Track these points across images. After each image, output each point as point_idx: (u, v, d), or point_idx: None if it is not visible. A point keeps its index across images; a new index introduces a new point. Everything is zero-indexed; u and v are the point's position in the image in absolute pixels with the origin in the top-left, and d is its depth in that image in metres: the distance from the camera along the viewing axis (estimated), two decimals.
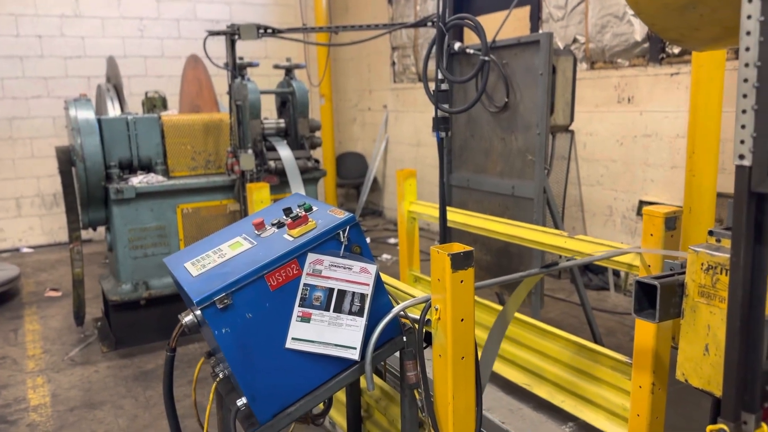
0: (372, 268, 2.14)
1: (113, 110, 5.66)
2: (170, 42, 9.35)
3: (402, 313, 2.28)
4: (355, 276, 2.12)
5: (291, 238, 2.10)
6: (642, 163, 5.85)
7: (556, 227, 4.31)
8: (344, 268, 2.10)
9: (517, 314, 3.92)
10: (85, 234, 7.47)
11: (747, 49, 1.18)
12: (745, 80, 1.18)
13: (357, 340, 2.12)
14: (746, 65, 1.18)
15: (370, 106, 10.37)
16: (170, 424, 2.44)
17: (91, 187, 4.91)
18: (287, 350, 2.06)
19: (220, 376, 2.23)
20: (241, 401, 2.05)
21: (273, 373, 2.06)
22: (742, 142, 1.20)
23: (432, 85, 3.00)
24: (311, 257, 2.04)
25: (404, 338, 2.29)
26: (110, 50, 8.79)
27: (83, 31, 8.80)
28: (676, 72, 5.40)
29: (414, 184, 4.62)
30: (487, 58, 2.72)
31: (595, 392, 3.35)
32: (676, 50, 5.42)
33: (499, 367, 3.86)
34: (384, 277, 2.79)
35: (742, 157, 1.21)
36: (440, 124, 2.95)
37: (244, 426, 2.14)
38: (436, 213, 4.14)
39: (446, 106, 2.92)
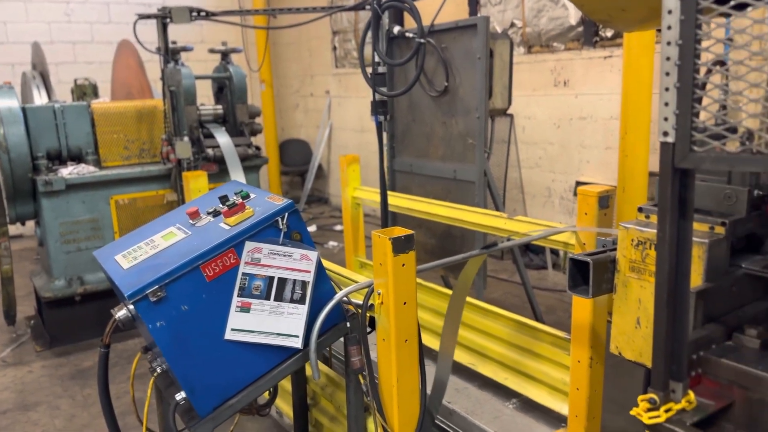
0: (313, 255, 2.11)
1: (40, 99, 5.37)
2: (100, 27, 8.94)
3: (345, 299, 2.26)
4: (295, 263, 2.08)
5: (227, 227, 2.04)
6: (578, 145, 6.01)
7: (497, 209, 4.38)
8: (284, 255, 2.06)
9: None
10: (15, 229, 7.10)
11: (669, 27, 1.21)
12: (668, 58, 1.21)
13: (299, 328, 2.09)
14: (668, 43, 1.20)
15: (313, 92, 10.24)
16: (107, 422, 2.36)
17: (16, 179, 4.65)
18: (227, 341, 2.01)
19: (158, 370, 2.16)
20: (180, 395, 1.99)
21: (212, 365, 2.01)
22: (666, 119, 1.24)
23: (370, 69, 2.98)
24: (249, 245, 2.00)
25: (348, 324, 2.27)
26: (35, 36, 8.32)
27: (5, 16, 8.30)
28: (609, 55, 5.55)
29: (357, 169, 4.59)
30: (422, 41, 2.71)
31: (536, 368, 3.44)
32: (609, 33, 5.57)
33: None
34: (327, 264, 2.77)
35: (666, 134, 1.24)
36: (378, 107, 2.93)
37: (184, 420, 2.08)
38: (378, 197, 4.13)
39: (384, 89, 2.90)
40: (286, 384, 3.00)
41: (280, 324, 2.06)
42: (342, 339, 2.27)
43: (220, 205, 2.14)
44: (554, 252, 6.27)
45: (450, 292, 3.85)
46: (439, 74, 4.22)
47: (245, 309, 2.01)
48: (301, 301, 2.08)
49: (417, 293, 4.22)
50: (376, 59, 2.79)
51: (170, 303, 1.89)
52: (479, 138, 4.07)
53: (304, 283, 2.08)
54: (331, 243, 7.64)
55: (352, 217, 4.62)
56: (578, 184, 6.08)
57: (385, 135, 4.97)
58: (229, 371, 2.04)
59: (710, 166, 1.20)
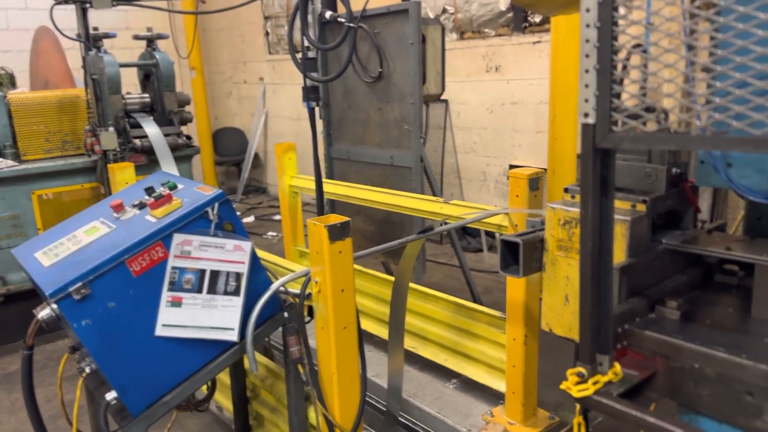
0: (247, 246, 2.06)
1: None
2: (16, 13, 8.41)
3: (282, 288, 2.23)
4: (228, 255, 2.03)
5: (154, 219, 1.97)
6: (511, 129, 6.14)
7: (434, 194, 4.42)
8: (216, 247, 2.01)
9: None
10: None
11: (587, 10, 1.24)
12: (587, 41, 1.24)
13: (235, 321, 2.05)
14: (587, 26, 1.23)
15: (246, 79, 10.01)
16: (34, 426, 2.25)
17: None
18: (158, 338, 1.95)
19: (87, 370, 2.07)
20: (111, 395, 1.92)
21: (144, 362, 1.94)
22: (586, 100, 1.27)
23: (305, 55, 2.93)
24: (178, 238, 1.93)
25: (285, 314, 2.25)
26: None
27: None
28: (538, 40, 5.68)
29: (294, 157, 4.53)
30: (352, 25, 2.68)
31: (474, 348, 3.51)
32: (537, 19, 5.69)
33: (386, 333, 3.93)
34: (264, 254, 2.72)
35: (586, 115, 1.28)
36: (310, 93, 2.89)
37: (117, 420, 2.01)
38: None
39: (315, 74, 2.85)
40: (225, 377, 2.95)
41: (213, 317, 2.01)
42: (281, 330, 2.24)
43: (146, 197, 2.06)
44: (490, 234, 6.40)
45: (391, 278, 3.87)
46: (373, 60, 4.20)
47: (176, 304, 1.95)
48: (236, 293, 2.04)
49: (356, 280, 4.23)
50: (306, 44, 2.74)
51: (96, 300, 1.81)
52: (415, 124, 4.09)
53: (238, 275, 2.04)
54: (270, 233, 7.53)
55: (289, 206, 4.57)
56: (512, 167, 6.22)
57: (321, 122, 4.94)
58: (162, 368, 1.98)
59: (629, 146, 1.25)
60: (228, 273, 2.03)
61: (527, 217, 2.48)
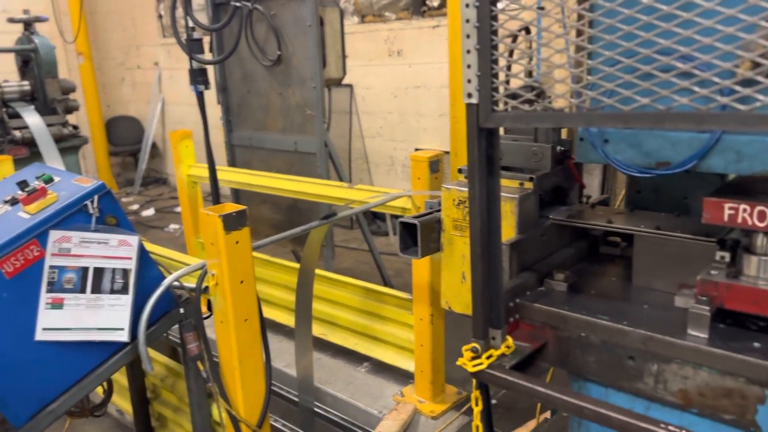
0: (133, 240, 1.94)
1: None
2: None
3: (177, 283, 2.13)
4: (113, 251, 1.91)
5: (27, 215, 1.81)
6: (415, 113, 6.20)
7: (340, 179, 4.39)
8: (98, 243, 1.88)
9: None
10: None
11: None
12: (467, 20, 1.24)
13: (124, 320, 1.93)
14: (467, 5, 1.24)
15: (140, 64, 9.49)
16: None
17: None
18: (39, 343, 1.80)
19: None
20: None
21: (24, 370, 1.79)
22: (469, 81, 1.28)
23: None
24: (54, 235, 1.79)
25: (181, 310, 2.15)
26: None
27: None
28: (437, 24, 5.75)
29: (191, 145, 4.34)
30: (238, 4, 2.58)
31: (384, 331, 3.54)
32: (436, 3, 5.76)
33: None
34: (157, 249, 2.59)
35: (470, 95, 1.29)
36: (197, 76, 2.76)
37: None
38: (219, 175, 3.95)
39: (202, 56, 2.73)
40: (122, 380, 2.80)
41: (100, 318, 1.89)
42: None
43: (19, 192, 1.89)
44: (397, 218, 6.48)
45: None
46: (271, 43, 4.09)
47: (57, 305, 1.81)
48: (124, 290, 1.92)
49: (264, 270, 4.15)
50: (190, 24, 2.61)
51: None
52: (317, 108, 4.03)
53: (125, 272, 1.92)
54: (173, 226, 7.22)
55: (189, 196, 4.38)
56: (417, 151, 6.29)
57: (220, 108, 4.76)
58: (45, 374, 1.83)
59: (511, 125, 1.27)
60: (114, 270, 1.91)
61: (425, 198, 2.51)
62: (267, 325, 2.28)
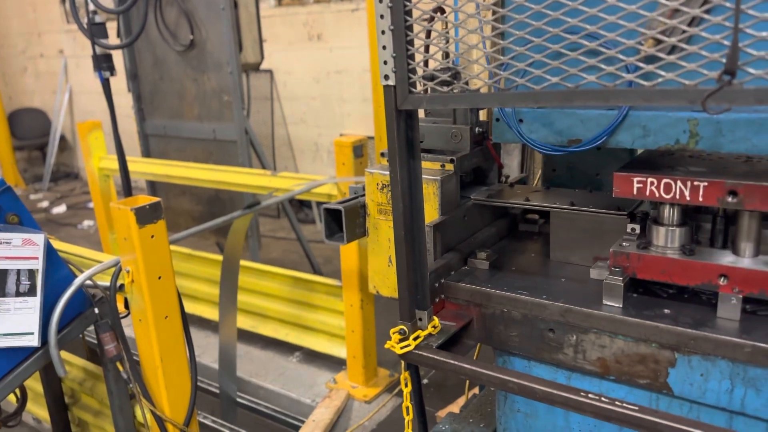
0: (39, 239, 1.82)
1: None
2: None
3: (90, 282, 2.02)
4: (16, 251, 1.78)
5: None
6: (338, 98, 6.15)
7: (263, 167, 4.30)
8: (0, 243, 1.75)
9: None
10: None
11: None
12: (381, 0, 1.22)
13: (33, 324, 1.81)
14: None
15: (43, 53, 8.89)
16: None
17: None
18: None
19: None
20: None
21: None
22: (385, 62, 1.27)
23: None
24: None
25: (96, 310, 2.04)
26: None
27: None
28: (356, 8, 5.70)
29: (101, 137, 4.12)
30: None
31: (314, 319, 3.52)
32: None
33: None
34: (67, 246, 2.44)
35: (386, 77, 1.28)
36: (101, 62, 2.61)
37: None
38: (132, 167, 3.78)
39: (106, 41, 2.57)
40: (38, 385, 2.64)
41: (6, 323, 1.76)
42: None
43: None
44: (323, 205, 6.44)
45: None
46: (183, 27, 3.93)
47: None
48: (31, 292, 1.80)
49: (186, 264, 4.01)
50: (91, 7, 2.45)
51: None
52: (235, 94, 3.91)
53: (31, 272, 1.80)
54: (87, 223, 6.86)
55: (101, 190, 4.16)
56: (342, 136, 6.26)
57: (131, 96, 4.54)
58: None
59: (428, 106, 1.27)
60: (19, 271, 1.78)
61: (349, 183, 2.49)
62: (192, 321, 2.21)
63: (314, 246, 5.58)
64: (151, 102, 4.47)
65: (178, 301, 2.11)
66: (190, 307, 3.81)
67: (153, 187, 4.61)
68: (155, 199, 1.98)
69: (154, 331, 2.02)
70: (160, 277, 2.01)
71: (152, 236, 1.96)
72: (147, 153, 4.59)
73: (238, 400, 3.30)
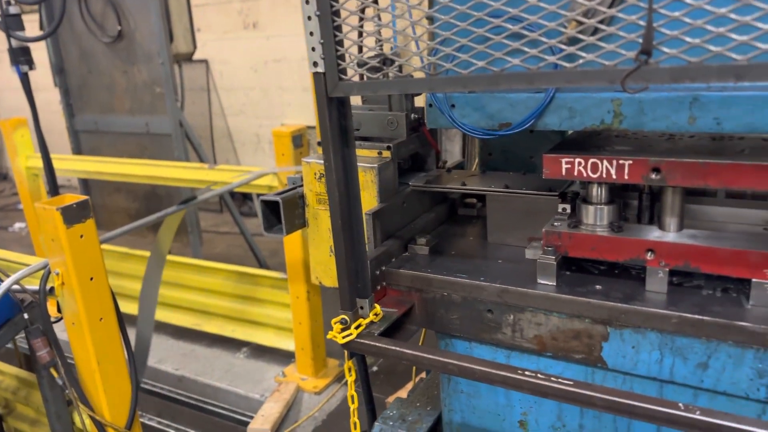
0: None
1: None
2: None
3: (17, 287, 1.92)
4: None
5: None
6: (278, 88, 6.05)
7: (201, 161, 4.20)
8: None
9: (176, 258, 3.77)
10: None
11: None
12: None
13: None
14: None
15: None
16: None
17: None
18: None
19: None
20: None
21: None
22: (313, 49, 1.24)
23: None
24: None
25: (26, 315, 1.95)
26: None
27: None
28: None
29: (27, 134, 3.92)
30: None
31: (261, 313, 3.47)
32: None
33: (166, 315, 3.70)
34: None
35: (315, 64, 1.26)
36: (18, 56, 2.47)
37: None
38: (61, 165, 3.62)
39: (22, 34, 2.43)
40: None
41: None
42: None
43: None
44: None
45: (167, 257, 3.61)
46: (110, 17, 3.77)
47: None
48: None
49: (124, 264, 3.88)
50: None
51: None
52: (167, 86, 3.79)
53: None
54: (18, 225, 6.55)
55: (30, 190, 3.97)
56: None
57: (58, 91, 4.33)
58: None
59: (358, 93, 1.26)
60: None
61: (287, 174, 2.46)
62: (133, 321, 2.13)
63: (260, 239, 5.49)
64: (80, 97, 4.28)
65: (112, 301, 2.04)
66: (131, 308, 3.69)
67: (86, 185, 4.43)
68: (83, 198, 1.90)
69: (89, 334, 1.94)
70: (92, 278, 1.93)
71: (81, 236, 1.88)
72: (78, 150, 4.40)
73: (182, 398, 3.24)
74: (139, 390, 2.15)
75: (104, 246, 2.28)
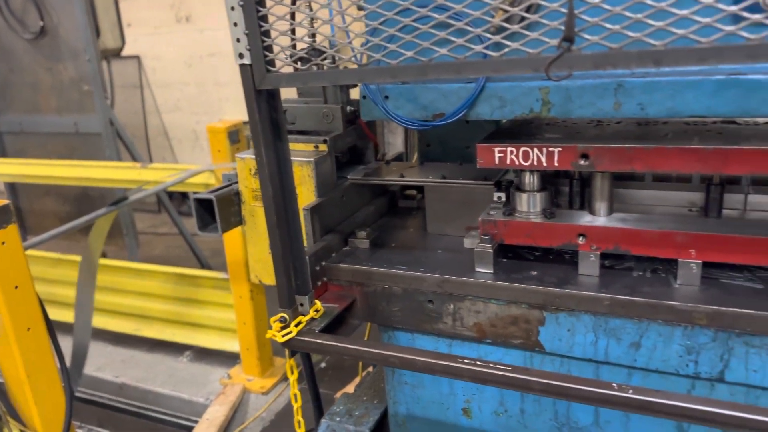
0: None
1: None
2: None
3: None
4: None
5: None
6: (214, 83, 5.90)
7: (134, 160, 4.05)
8: None
9: (112, 261, 3.64)
10: None
11: None
12: None
13: None
14: None
15: None
16: None
17: None
18: None
19: None
20: None
21: None
22: (239, 40, 1.21)
23: None
24: None
25: None
26: None
27: None
28: None
29: None
30: None
31: (203, 315, 3.39)
32: None
33: (103, 321, 3.56)
34: None
35: (241, 56, 1.22)
36: None
37: None
38: None
39: None
40: None
41: None
42: None
43: None
44: None
45: (102, 261, 3.47)
46: (31, 12, 3.58)
47: None
48: None
49: (55, 270, 3.71)
50: None
51: None
52: (95, 83, 3.63)
53: None
54: None
55: None
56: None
57: None
58: None
59: (286, 85, 1.23)
60: None
61: (223, 171, 2.40)
62: (67, 329, 2.03)
63: (201, 239, 5.35)
64: (3, 96, 4.05)
65: (40, 310, 1.93)
66: (64, 315, 3.53)
67: (13, 189, 4.20)
68: (3, 203, 1.79)
69: (16, 345, 1.84)
70: (17, 287, 1.83)
71: (3, 243, 1.78)
72: (3, 152, 4.17)
73: (124, 406, 3.13)
74: (74, 400, 2.06)
75: (33, 252, 2.17)
